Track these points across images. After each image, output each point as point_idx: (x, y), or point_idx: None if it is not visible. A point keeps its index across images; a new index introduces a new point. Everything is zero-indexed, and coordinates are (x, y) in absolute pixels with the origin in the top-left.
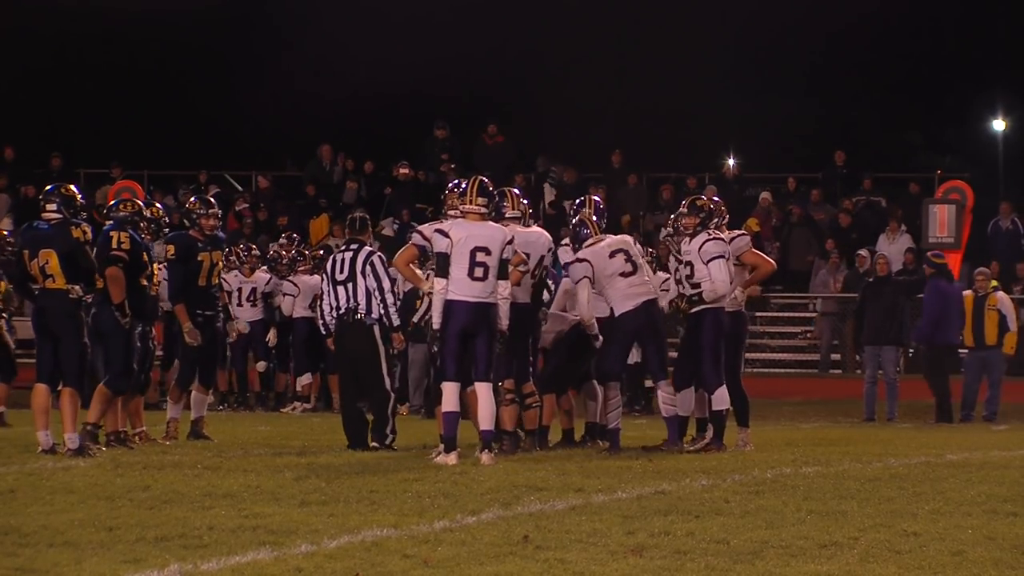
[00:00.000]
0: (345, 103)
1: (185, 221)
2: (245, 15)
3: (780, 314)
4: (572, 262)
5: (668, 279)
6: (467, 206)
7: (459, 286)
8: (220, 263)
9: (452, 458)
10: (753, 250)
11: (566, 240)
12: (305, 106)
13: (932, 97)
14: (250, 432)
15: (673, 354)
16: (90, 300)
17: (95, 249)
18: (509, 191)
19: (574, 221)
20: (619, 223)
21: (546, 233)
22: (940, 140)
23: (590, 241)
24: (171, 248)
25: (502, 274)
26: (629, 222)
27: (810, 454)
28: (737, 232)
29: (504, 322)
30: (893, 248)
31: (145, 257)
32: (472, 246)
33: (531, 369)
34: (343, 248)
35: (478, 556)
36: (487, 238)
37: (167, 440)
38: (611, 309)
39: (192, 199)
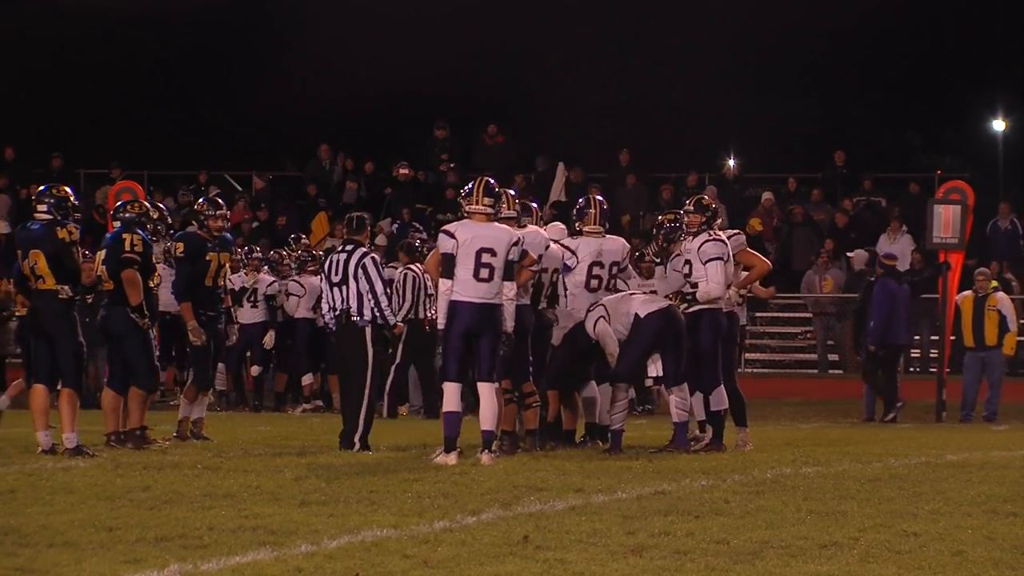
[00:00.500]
0: (345, 103)
1: (193, 222)
2: (245, 15)
3: (780, 314)
4: (591, 310)
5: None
6: (473, 206)
7: (464, 287)
8: (227, 264)
9: (452, 458)
10: (748, 250)
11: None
12: (305, 106)
13: (932, 97)
14: (250, 432)
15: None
16: (79, 299)
17: (106, 251)
18: (504, 192)
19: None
20: (619, 223)
21: (542, 232)
22: (940, 140)
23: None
24: (180, 246)
25: (508, 275)
26: (629, 222)
27: (810, 454)
28: (731, 232)
29: (510, 323)
30: (894, 248)
31: (153, 258)
32: (477, 247)
33: (530, 369)
34: (340, 249)
35: (478, 556)
36: (493, 239)
37: (179, 439)
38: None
39: (200, 200)
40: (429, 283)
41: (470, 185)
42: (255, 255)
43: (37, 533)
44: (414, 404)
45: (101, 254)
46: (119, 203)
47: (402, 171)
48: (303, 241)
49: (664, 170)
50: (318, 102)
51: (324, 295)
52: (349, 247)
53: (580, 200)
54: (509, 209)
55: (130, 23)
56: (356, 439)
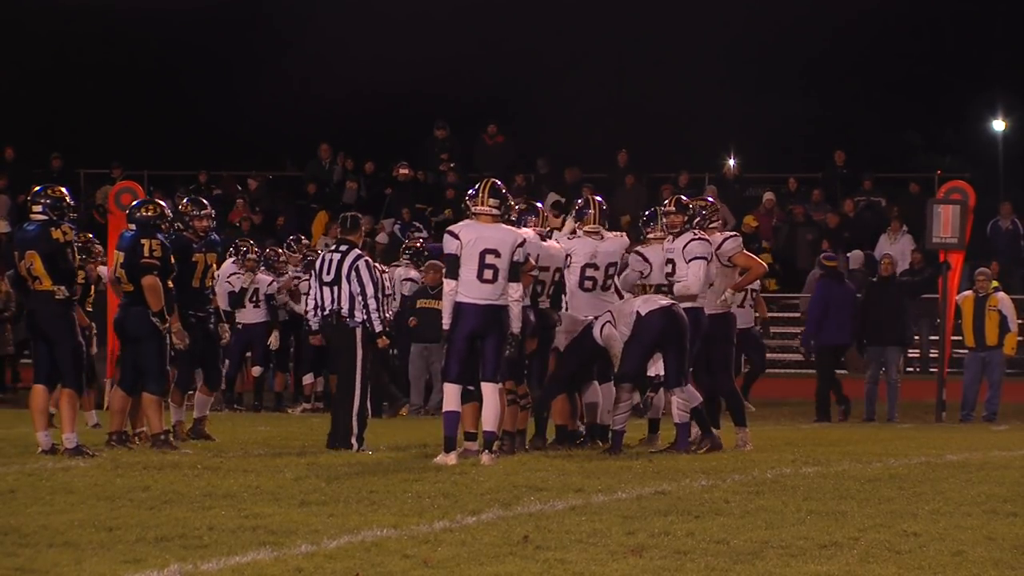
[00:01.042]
0: (345, 103)
1: (178, 224)
2: (245, 15)
3: (780, 314)
4: (603, 325)
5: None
6: (478, 207)
7: (468, 288)
8: (214, 264)
9: (452, 458)
10: (744, 252)
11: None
12: (305, 106)
13: (932, 97)
14: (250, 432)
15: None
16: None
17: (125, 255)
18: (532, 203)
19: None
20: (619, 223)
21: (531, 232)
22: (940, 140)
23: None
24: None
25: (513, 276)
26: (629, 222)
27: (810, 454)
28: (729, 233)
29: (516, 325)
30: (894, 248)
31: (172, 260)
32: (481, 248)
33: (525, 371)
34: (332, 248)
35: (478, 556)
36: (497, 240)
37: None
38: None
39: (184, 200)
40: (388, 283)
41: (476, 186)
42: (250, 256)
43: (37, 533)
44: (414, 404)
45: (119, 256)
46: (134, 203)
47: (402, 171)
48: (304, 241)
49: (664, 170)
50: (318, 102)
51: (312, 293)
52: (343, 248)
53: (578, 200)
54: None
55: (130, 23)
56: (353, 439)
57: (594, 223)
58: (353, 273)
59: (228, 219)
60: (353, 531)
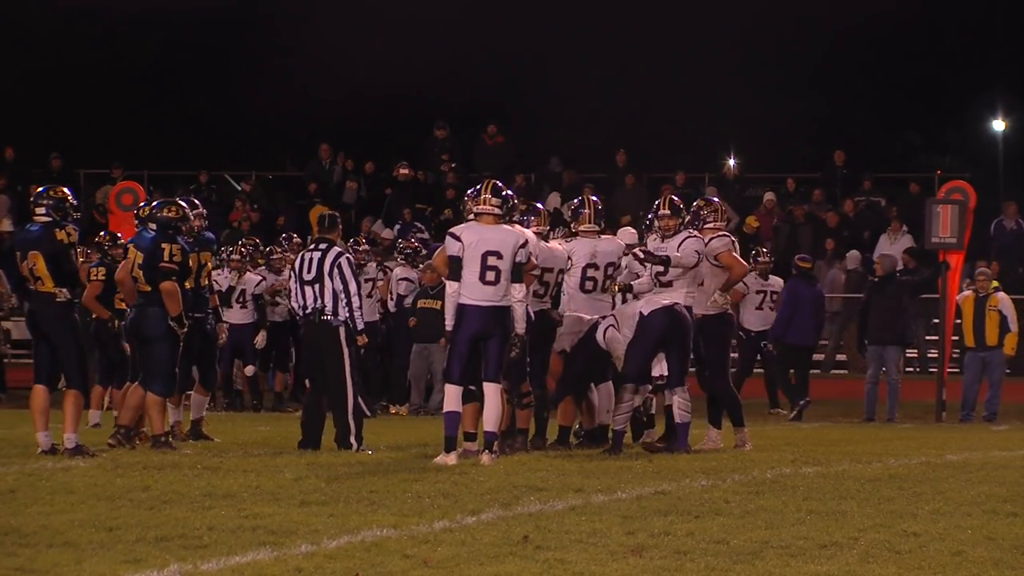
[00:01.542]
0: (345, 103)
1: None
2: (245, 15)
3: None
4: (606, 328)
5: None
6: (480, 207)
7: (471, 290)
8: (209, 264)
9: (452, 458)
10: (730, 251)
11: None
12: (305, 106)
13: (932, 97)
14: (250, 432)
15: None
16: (77, 301)
17: (144, 257)
18: (542, 208)
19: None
20: (619, 223)
21: (528, 232)
22: (940, 140)
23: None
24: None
25: (516, 277)
26: (629, 222)
27: (810, 454)
28: (719, 232)
29: (520, 325)
30: (894, 248)
31: (195, 264)
32: (483, 250)
33: (527, 369)
34: (312, 247)
35: (478, 556)
36: (499, 242)
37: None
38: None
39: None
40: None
41: (477, 186)
42: (234, 256)
43: (37, 533)
44: (414, 404)
45: (137, 256)
46: (155, 202)
47: (402, 171)
48: (296, 240)
49: (664, 170)
50: (318, 102)
51: (293, 293)
52: (323, 246)
53: (574, 200)
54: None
55: (130, 23)
56: (352, 439)
57: (589, 222)
58: (336, 270)
59: (228, 219)
60: (353, 531)
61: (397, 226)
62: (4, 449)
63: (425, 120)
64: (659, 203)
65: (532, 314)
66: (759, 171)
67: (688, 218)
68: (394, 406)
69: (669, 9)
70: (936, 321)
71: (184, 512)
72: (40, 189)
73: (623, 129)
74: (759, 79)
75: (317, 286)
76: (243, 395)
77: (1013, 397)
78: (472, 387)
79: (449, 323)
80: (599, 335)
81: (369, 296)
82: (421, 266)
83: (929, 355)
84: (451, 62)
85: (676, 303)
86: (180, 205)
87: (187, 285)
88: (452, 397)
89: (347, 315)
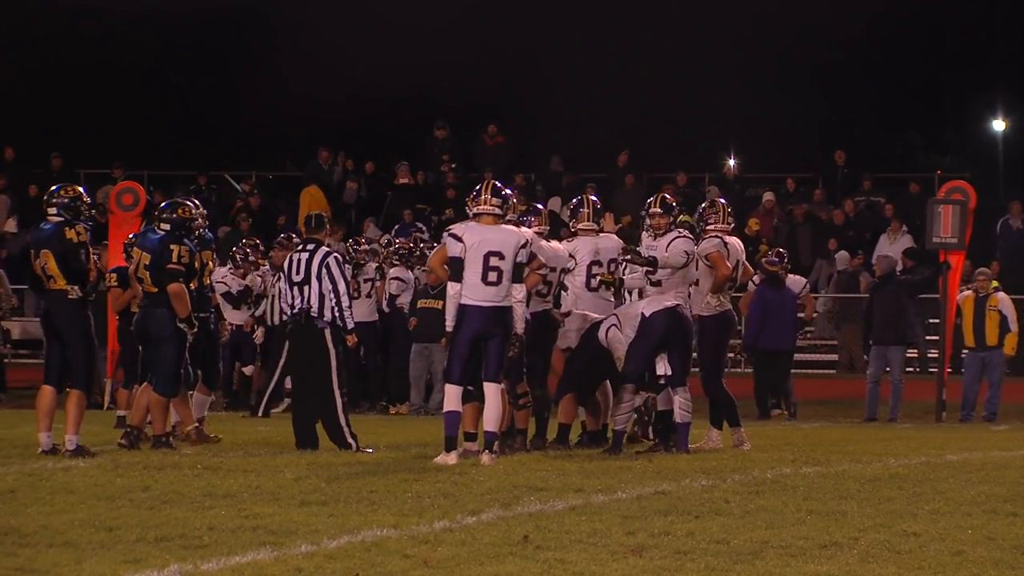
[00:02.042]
0: (345, 104)
1: None
2: (245, 16)
3: None
4: (608, 328)
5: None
6: (481, 207)
7: (473, 291)
8: (210, 263)
9: (452, 458)
10: (719, 252)
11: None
12: (304, 107)
13: (932, 97)
14: (250, 432)
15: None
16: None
17: (152, 258)
18: (544, 209)
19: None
20: (620, 223)
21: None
22: (940, 140)
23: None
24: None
25: (517, 277)
26: (630, 222)
27: (810, 454)
28: (711, 233)
29: (520, 325)
30: (894, 249)
31: (197, 264)
32: (485, 251)
33: (524, 369)
34: (300, 248)
35: (478, 556)
36: (500, 242)
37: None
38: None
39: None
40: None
41: (478, 186)
42: (250, 259)
43: (37, 533)
44: (414, 404)
45: (144, 256)
46: (163, 203)
47: (401, 180)
48: (294, 240)
49: (664, 170)
50: (318, 102)
51: (283, 294)
52: (310, 246)
53: (573, 200)
54: (543, 225)
55: (130, 23)
56: (348, 438)
57: (588, 221)
58: (324, 271)
59: (229, 216)
60: (353, 531)
61: (395, 228)
62: (4, 449)
63: (425, 120)
64: (651, 201)
65: (529, 314)
66: (759, 171)
67: (695, 218)
68: (394, 406)
69: (669, 9)
70: (936, 321)
71: (184, 512)
72: (53, 188)
73: (623, 129)
74: (759, 79)
75: (305, 287)
76: (239, 395)
77: (1013, 397)
78: (471, 387)
79: (450, 324)
80: (601, 334)
81: (368, 296)
82: (420, 267)
83: (929, 355)
84: (451, 62)
85: (679, 304)
86: (188, 205)
87: (192, 286)
88: (452, 397)
89: (334, 316)
